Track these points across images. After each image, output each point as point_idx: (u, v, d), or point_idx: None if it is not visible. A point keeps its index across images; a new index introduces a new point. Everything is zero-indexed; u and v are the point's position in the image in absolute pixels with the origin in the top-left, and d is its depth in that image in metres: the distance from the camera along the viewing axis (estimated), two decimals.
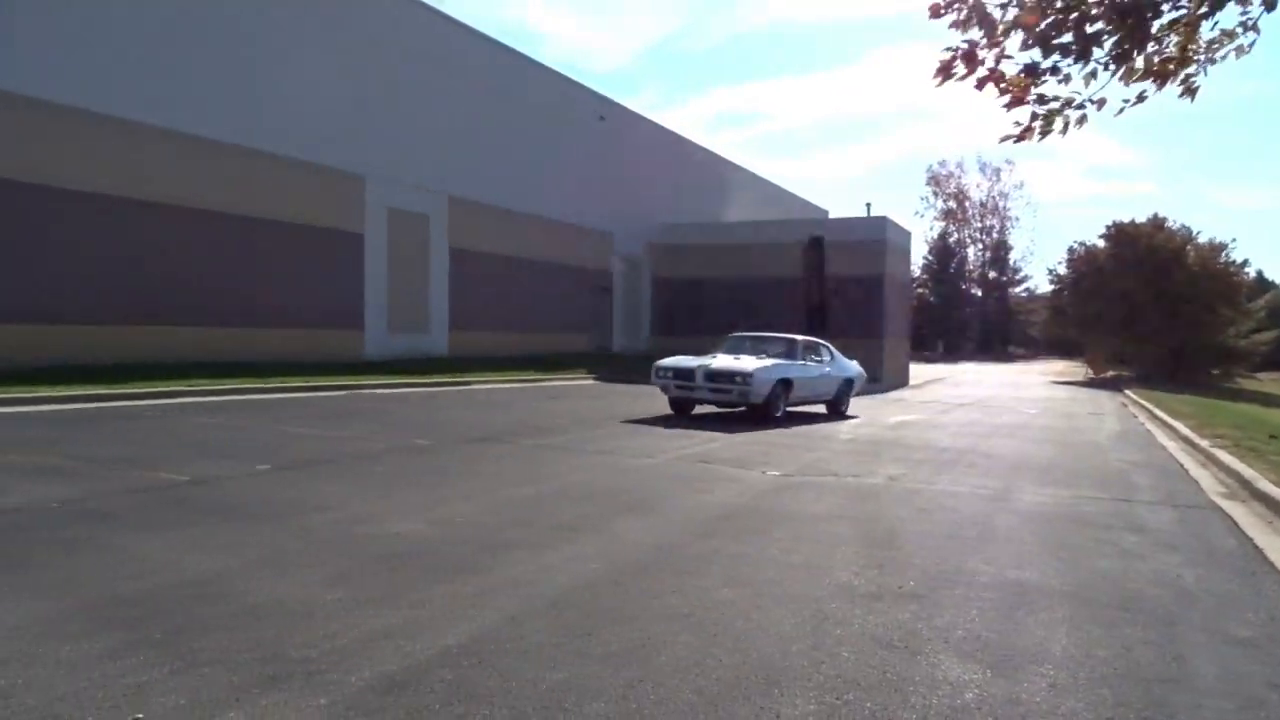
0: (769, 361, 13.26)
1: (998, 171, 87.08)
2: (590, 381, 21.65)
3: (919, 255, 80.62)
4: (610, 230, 31.01)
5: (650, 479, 7.56)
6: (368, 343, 21.28)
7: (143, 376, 13.73)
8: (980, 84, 3.18)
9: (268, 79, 18.61)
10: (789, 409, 13.74)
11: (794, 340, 14.58)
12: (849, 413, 15.17)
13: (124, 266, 16.02)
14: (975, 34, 2.97)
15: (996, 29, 2.88)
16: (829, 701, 3.00)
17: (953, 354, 72.51)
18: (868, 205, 65.31)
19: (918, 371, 34.74)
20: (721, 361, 13.12)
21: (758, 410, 12.75)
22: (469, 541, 5.04)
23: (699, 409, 13.95)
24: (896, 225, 32.06)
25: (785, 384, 13.14)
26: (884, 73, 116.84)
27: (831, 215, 46.19)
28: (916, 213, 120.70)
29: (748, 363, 12.93)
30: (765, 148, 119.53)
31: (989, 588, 4.46)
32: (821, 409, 15.13)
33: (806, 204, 48.52)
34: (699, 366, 12.94)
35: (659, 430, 11.41)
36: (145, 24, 16.30)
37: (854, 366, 16.05)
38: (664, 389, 13.47)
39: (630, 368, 23.04)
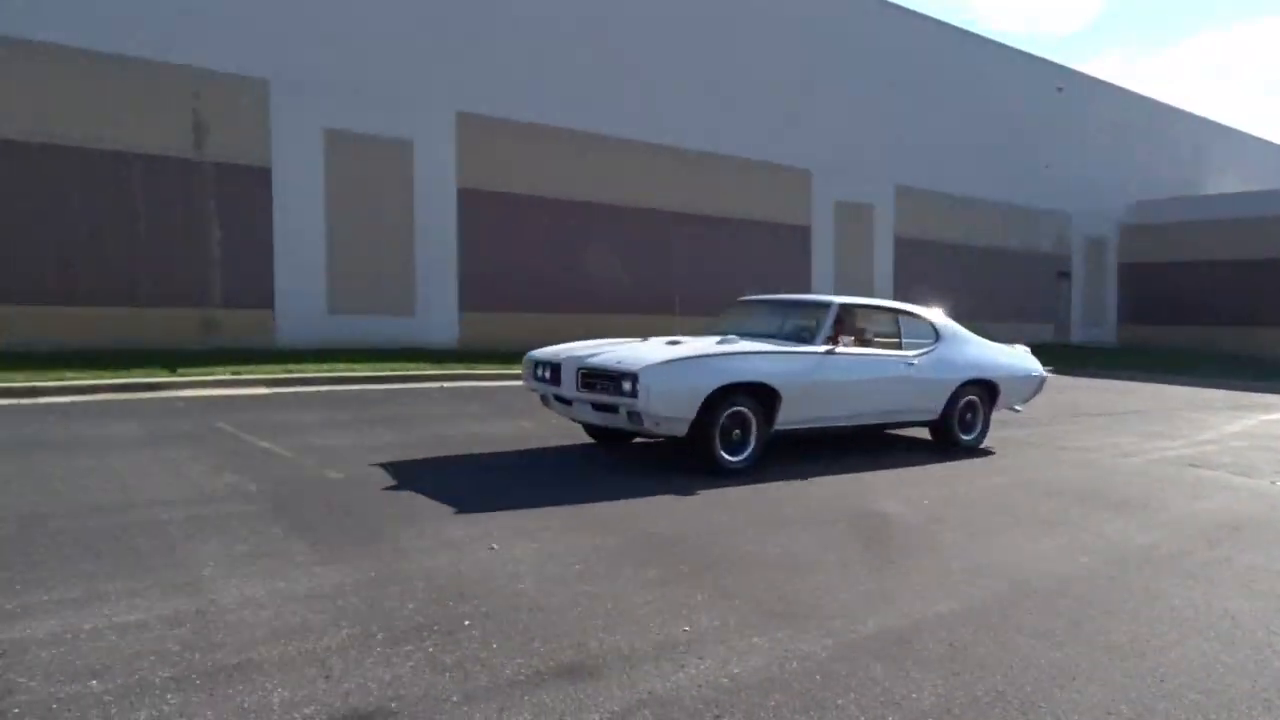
0: (712, 349, 6.82)
1: None
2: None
3: None
4: (1068, 210, 28.59)
5: (1132, 479, 7.13)
6: None
7: None
8: None
9: (725, 85, 20.31)
10: (815, 433, 7.48)
11: (827, 306, 7.66)
12: (983, 444, 8.58)
13: (596, 260, 18.55)
14: None
15: None
16: None
17: None
18: None
19: None
20: (613, 353, 6.73)
21: (687, 447, 6.64)
22: (949, 523, 5.33)
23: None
24: None
25: (751, 395, 6.67)
26: None
27: None
28: None
29: (667, 350, 6.71)
30: (1256, 100, 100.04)
31: None
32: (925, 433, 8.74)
33: None
34: (568, 360, 6.87)
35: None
36: (624, 51, 18.80)
37: (994, 357, 8.75)
38: (544, 399, 7.58)
39: (1088, 360, 21.23)
